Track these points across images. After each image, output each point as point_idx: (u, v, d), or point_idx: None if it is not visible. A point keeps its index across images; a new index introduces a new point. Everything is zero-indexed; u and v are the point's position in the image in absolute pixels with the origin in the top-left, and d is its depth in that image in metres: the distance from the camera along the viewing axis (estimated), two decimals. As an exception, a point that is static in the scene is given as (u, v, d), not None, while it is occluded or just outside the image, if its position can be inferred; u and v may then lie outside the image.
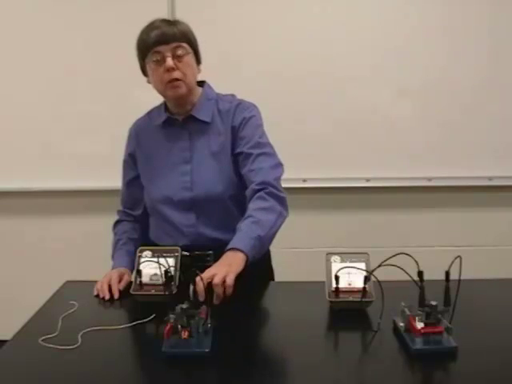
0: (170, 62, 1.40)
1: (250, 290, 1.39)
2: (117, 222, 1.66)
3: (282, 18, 2.49)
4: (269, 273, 1.67)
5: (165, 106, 1.55)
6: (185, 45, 1.43)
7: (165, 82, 1.43)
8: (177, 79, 1.42)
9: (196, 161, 1.51)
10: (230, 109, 1.52)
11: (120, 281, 1.44)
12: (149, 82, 1.49)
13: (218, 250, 1.37)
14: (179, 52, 1.42)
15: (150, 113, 1.61)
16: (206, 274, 1.20)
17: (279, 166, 1.50)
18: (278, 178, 1.47)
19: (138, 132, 1.60)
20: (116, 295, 1.40)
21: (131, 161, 1.61)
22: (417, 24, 2.49)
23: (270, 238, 1.39)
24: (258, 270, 1.48)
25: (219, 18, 2.49)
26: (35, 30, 2.51)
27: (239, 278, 1.24)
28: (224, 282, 1.19)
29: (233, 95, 1.57)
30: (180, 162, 1.52)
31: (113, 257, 1.58)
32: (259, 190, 1.42)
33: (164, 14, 2.25)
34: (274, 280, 1.67)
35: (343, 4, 2.49)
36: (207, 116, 1.51)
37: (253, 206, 1.40)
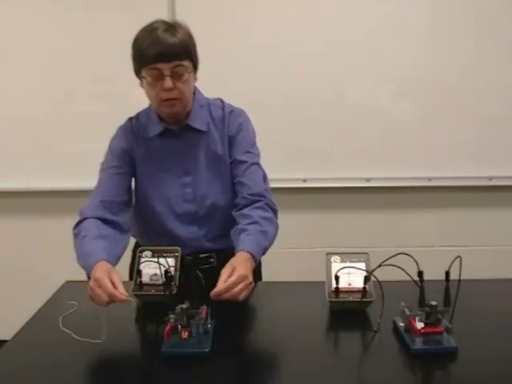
0: (169, 82, 1.34)
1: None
2: (79, 223, 1.46)
3: (282, 17, 2.48)
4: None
5: (158, 115, 1.48)
6: (185, 63, 1.36)
7: (160, 99, 1.39)
8: (173, 98, 1.38)
9: (196, 172, 1.49)
10: (222, 116, 1.50)
11: (113, 284, 1.16)
12: (142, 86, 1.42)
13: (223, 251, 1.40)
14: (179, 71, 1.36)
15: (138, 117, 1.53)
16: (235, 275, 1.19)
17: (266, 176, 1.53)
18: (269, 190, 1.50)
19: (137, 135, 1.51)
20: (124, 298, 1.16)
21: (126, 156, 1.50)
22: (417, 24, 2.49)
23: (268, 249, 1.41)
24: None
25: (219, 17, 2.48)
26: (35, 30, 2.50)
27: None
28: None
29: (221, 100, 1.54)
30: (180, 174, 1.49)
31: (81, 254, 1.33)
32: (256, 201, 1.44)
33: (164, 13, 2.25)
34: (261, 280, 1.62)
35: (343, 4, 2.49)
36: (202, 125, 1.48)
37: (257, 213, 1.41)
